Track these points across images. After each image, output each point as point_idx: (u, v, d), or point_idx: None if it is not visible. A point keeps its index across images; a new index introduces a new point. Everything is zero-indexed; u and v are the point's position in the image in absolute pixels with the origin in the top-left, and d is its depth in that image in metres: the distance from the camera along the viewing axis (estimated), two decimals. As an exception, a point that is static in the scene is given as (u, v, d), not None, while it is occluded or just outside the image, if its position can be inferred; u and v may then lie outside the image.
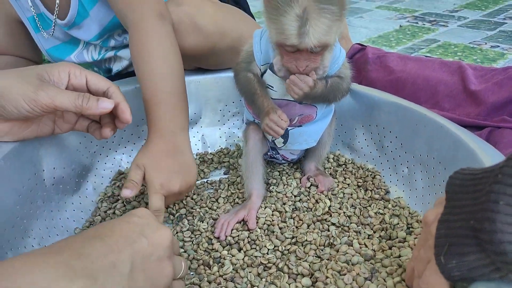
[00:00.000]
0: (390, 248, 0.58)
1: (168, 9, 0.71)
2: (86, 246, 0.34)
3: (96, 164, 0.73)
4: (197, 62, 0.82)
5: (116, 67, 0.88)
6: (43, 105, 0.49)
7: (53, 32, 0.82)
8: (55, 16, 0.79)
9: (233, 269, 0.57)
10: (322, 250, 0.59)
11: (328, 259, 0.57)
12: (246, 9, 0.97)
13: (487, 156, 0.51)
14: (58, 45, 0.85)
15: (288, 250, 0.60)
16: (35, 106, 0.49)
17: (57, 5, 0.77)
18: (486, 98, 0.76)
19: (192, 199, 0.71)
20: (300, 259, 0.58)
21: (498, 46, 1.45)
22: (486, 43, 1.49)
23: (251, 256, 0.59)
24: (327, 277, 0.54)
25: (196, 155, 0.84)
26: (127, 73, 0.90)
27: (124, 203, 0.69)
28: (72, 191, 0.67)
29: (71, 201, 0.66)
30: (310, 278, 0.55)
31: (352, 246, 0.59)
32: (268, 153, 0.76)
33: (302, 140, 0.69)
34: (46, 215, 0.60)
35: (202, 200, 0.71)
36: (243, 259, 0.59)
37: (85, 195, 0.69)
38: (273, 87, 0.63)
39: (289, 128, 0.67)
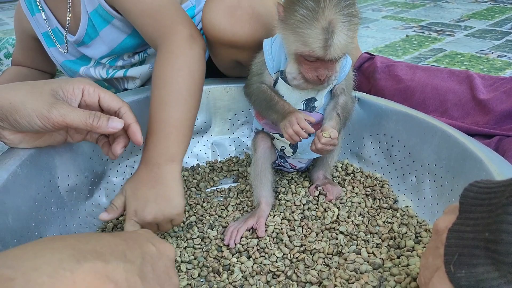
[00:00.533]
0: (398, 257, 0.59)
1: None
2: (95, 236, 0.34)
3: (109, 172, 0.74)
4: (240, 54, 0.75)
5: (131, 86, 0.90)
6: (54, 123, 0.50)
7: (67, 47, 0.84)
8: (66, 31, 0.81)
9: (242, 276, 0.58)
10: (330, 259, 0.60)
11: (336, 268, 0.58)
12: None
13: (494, 165, 0.52)
14: (71, 60, 0.87)
15: (296, 258, 0.60)
16: (47, 123, 0.50)
17: (68, 21, 0.79)
18: (494, 106, 0.76)
19: (202, 207, 0.72)
20: (308, 267, 0.59)
21: (505, 56, 1.45)
22: (492, 53, 1.49)
23: (260, 264, 0.60)
24: (335, 286, 0.54)
25: (206, 163, 0.86)
26: None
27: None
28: (85, 198, 0.68)
29: (84, 208, 0.68)
30: (319, 286, 0.55)
31: (360, 254, 0.60)
32: (277, 162, 0.76)
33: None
34: (60, 221, 0.62)
35: (212, 208, 0.72)
36: (252, 266, 0.60)
37: (98, 202, 0.71)
38: (283, 97, 0.64)
39: None
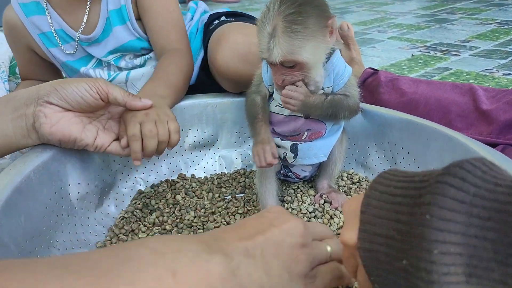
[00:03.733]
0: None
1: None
2: (221, 233, 0.36)
3: (118, 183, 0.76)
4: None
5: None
6: (98, 87, 0.58)
7: (76, 47, 0.90)
8: (79, 32, 0.86)
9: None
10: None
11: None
12: None
13: (497, 161, 0.52)
14: (72, 60, 0.92)
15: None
16: (92, 86, 0.58)
17: (83, 23, 0.86)
18: (497, 116, 0.77)
19: (211, 214, 0.73)
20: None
21: (511, 74, 1.46)
22: (498, 71, 1.50)
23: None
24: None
25: (214, 175, 0.87)
26: None
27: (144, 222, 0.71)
28: (94, 206, 0.70)
29: (93, 217, 0.69)
30: None
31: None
32: (281, 172, 0.77)
33: (312, 155, 0.71)
34: (69, 228, 0.63)
35: (220, 216, 0.73)
36: (258, 271, 0.60)
37: (107, 212, 0.72)
38: (280, 104, 0.67)
39: (298, 143, 0.69)
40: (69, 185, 0.65)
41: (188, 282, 0.29)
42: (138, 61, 0.93)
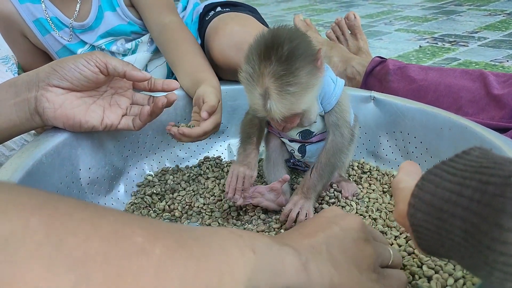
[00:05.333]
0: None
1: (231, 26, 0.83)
2: (284, 234, 0.40)
3: (128, 168, 0.76)
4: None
5: None
6: (96, 59, 0.57)
7: (71, 35, 0.89)
8: (73, 19, 0.87)
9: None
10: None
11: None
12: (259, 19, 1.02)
13: (513, 150, 0.52)
14: (64, 47, 0.91)
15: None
16: (90, 59, 0.57)
17: (76, 12, 0.86)
18: (509, 101, 0.76)
19: (219, 200, 0.73)
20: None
21: (521, 64, 1.45)
22: (508, 61, 1.49)
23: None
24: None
25: (224, 163, 0.87)
26: None
27: (152, 208, 0.71)
28: (105, 191, 0.70)
29: (103, 202, 0.69)
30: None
31: (379, 246, 0.59)
32: (291, 161, 0.77)
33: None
34: (81, 212, 0.63)
35: (227, 203, 0.72)
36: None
37: (117, 197, 0.72)
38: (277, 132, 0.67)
39: (306, 144, 0.69)
40: (80, 169, 0.64)
41: (266, 259, 0.30)
42: (129, 45, 0.93)
